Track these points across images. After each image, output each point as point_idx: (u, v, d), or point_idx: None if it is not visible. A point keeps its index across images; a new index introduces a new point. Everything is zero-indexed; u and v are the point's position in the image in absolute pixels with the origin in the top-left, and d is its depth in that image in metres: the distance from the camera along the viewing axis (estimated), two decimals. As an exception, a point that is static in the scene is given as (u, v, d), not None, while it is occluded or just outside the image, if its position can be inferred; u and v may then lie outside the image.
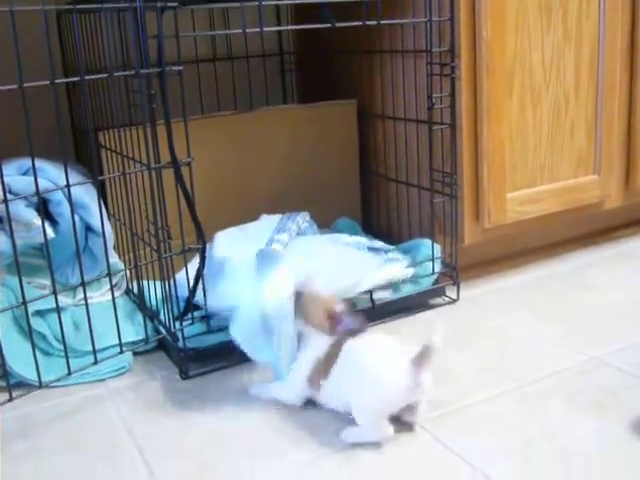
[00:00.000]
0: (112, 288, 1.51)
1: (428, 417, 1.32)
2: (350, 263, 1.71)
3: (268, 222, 1.81)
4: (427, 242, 1.83)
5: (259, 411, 1.38)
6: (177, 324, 1.52)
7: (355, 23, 1.60)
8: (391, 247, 1.85)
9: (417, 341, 1.25)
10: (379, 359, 1.28)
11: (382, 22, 1.65)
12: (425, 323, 1.71)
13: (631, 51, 2.01)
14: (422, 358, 1.24)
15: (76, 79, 1.32)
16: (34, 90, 1.22)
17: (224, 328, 1.55)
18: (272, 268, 1.51)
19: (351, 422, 1.27)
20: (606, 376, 1.44)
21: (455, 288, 1.83)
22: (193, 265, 1.53)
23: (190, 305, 1.53)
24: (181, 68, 1.39)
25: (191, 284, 1.52)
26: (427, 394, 1.28)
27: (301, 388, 1.36)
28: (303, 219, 1.83)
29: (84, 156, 2.05)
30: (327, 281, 1.44)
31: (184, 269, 1.52)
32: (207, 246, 1.53)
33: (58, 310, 1.38)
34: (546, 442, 1.23)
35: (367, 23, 1.62)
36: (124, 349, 1.49)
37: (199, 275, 1.51)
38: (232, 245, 1.69)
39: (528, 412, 1.32)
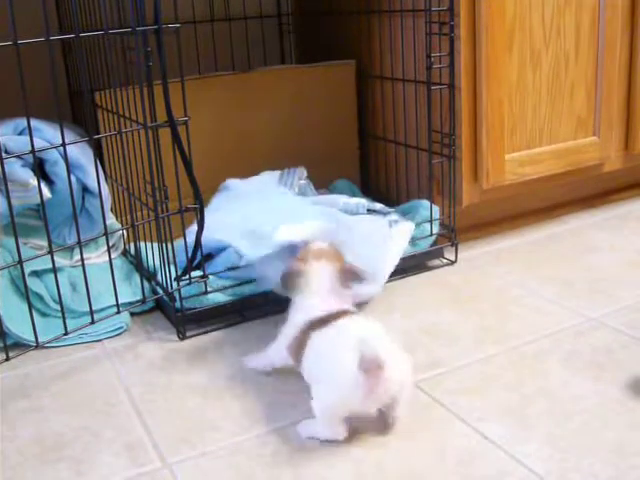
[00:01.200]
0: (109, 249, 1.51)
1: (425, 377, 1.32)
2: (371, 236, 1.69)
3: (270, 176, 1.83)
4: (425, 203, 1.82)
5: (256, 371, 1.38)
6: (174, 284, 1.51)
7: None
8: (390, 209, 1.85)
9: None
10: (343, 357, 1.12)
11: (381, -20, 1.63)
12: (422, 285, 1.71)
13: (632, 12, 1.99)
14: (371, 363, 1.10)
15: (71, 36, 1.31)
16: (30, 50, 1.21)
17: (222, 289, 1.55)
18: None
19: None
20: (603, 336, 1.44)
21: (453, 250, 1.83)
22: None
23: (190, 266, 1.52)
24: (178, 26, 1.38)
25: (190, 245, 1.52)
26: (406, 389, 1.17)
27: (283, 355, 1.31)
28: (302, 174, 1.84)
29: (81, 117, 2.04)
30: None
31: (182, 237, 1.52)
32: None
33: (54, 270, 1.38)
34: (543, 401, 1.23)
35: (365, -19, 1.60)
36: (121, 309, 1.49)
37: (199, 237, 1.51)
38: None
39: (525, 372, 1.33)
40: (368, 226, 1.69)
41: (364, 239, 1.64)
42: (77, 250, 1.44)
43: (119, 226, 1.79)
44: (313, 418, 1.17)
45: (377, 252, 1.63)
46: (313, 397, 1.18)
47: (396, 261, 1.66)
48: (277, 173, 1.84)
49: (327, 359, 1.17)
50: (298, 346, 1.25)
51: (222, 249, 1.61)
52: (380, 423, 1.19)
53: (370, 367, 1.09)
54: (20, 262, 1.31)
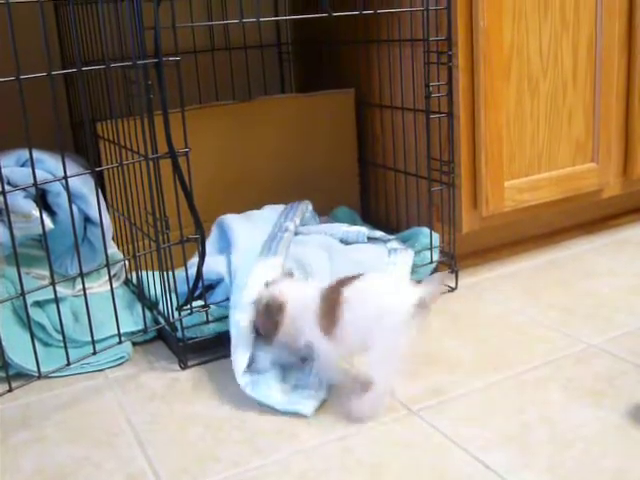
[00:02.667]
0: (111, 278, 1.51)
1: (425, 405, 1.33)
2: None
3: (272, 211, 1.83)
4: (425, 231, 1.83)
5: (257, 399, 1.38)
6: (176, 314, 1.52)
7: (352, 12, 1.61)
8: (391, 236, 1.85)
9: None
10: (391, 303, 1.27)
11: (379, 11, 1.65)
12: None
13: (629, 39, 2.01)
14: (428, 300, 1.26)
15: (73, 70, 1.32)
16: (33, 82, 1.22)
17: (223, 318, 1.56)
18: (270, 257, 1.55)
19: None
20: (603, 363, 1.44)
21: (453, 276, 1.83)
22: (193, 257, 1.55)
23: (191, 296, 1.53)
24: (178, 59, 1.39)
25: (191, 276, 1.53)
26: None
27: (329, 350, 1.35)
28: (306, 207, 1.84)
29: (83, 148, 2.05)
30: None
31: (183, 267, 1.53)
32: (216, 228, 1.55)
33: (57, 300, 1.38)
34: (543, 429, 1.23)
35: (364, 12, 1.62)
36: (123, 339, 1.49)
37: (200, 268, 1.52)
38: (241, 224, 1.75)
39: (526, 399, 1.33)
40: (365, 256, 1.70)
41: (360, 268, 1.65)
42: (79, 279, 1.44)
43: (121, 256, 1.80)
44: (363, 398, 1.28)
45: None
46: (375, 355, 1.27)
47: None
48: (281, 207, 1.84)
49: (381, 312, 1.25)
50: (329, 310, 1.31)
51: (222, 279, 1.62)
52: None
53: (427, 303, 1.24)
54: (22, 294, 1.32)
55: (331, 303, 1.31)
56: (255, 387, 1.39)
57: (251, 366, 1.43)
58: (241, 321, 1.46)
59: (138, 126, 1.42)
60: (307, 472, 1.17)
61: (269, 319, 1.37)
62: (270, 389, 1.38)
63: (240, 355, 1.43)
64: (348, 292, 1.30)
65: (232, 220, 1.76)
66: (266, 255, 1.61)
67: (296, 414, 1.32)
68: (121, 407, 1.40)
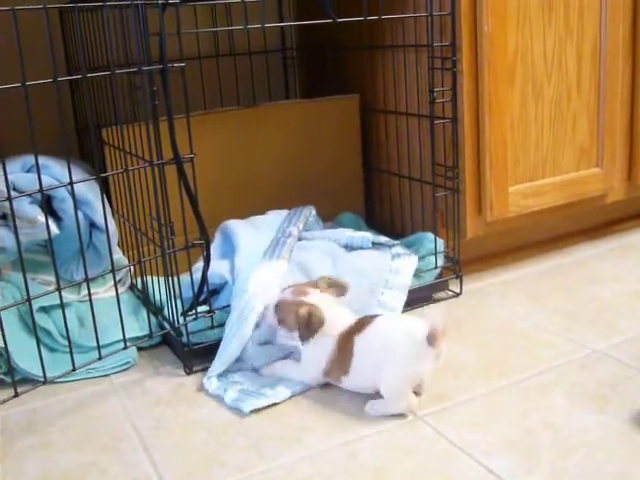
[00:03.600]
0: (116, 285, 1.52)
1: (430, 410, 1.33)
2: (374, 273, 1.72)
3: (275, 216, 1.83)
4: (430, 236, 1.83)
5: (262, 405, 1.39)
6: (181, 319, 1.52)
7: (356, 18, 1.61)
8: (395, 242, 1.86)
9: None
10: (401, 336, 1.33)
11: (383, 17, 1.66)
12: (428, 317, 1.72)
13: (633, 44, 2.01)
14: (436, 330, 1.30)
15: (78, 77, 1.33)
16: (38, 88, 1.23)
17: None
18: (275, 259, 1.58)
19: (371, 397, 1.36)
20: (607, 369, 1.44)
21: (458, 282, 1.84)
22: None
23: (197, 301, 1.54)
24: (183, 65, 1.40)
25: (196, 281, 1.53)
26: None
27: (318, 379, 1.43)
28: (309, 212, 1.85)
29: (88, 154, 2.06)
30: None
31: (188, 273, 1.54)
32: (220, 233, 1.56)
33: (62, 306, 1.39)
34: (547, 434, 1.23)
35: (368, 18, 1.62)
36: (128, 344, 1.50)
37: (205, 273, 1.52)
38: (245, 229, 1.76)
39: (529, 405, 1.33)
40: (368, 262, 1.71)
41: (361, 275, 1.66)
42: (85, 285, 1.45)
43: (126, 261, 1.81)
44: (379, 399, 1.33)
45: (372, 287, 1.66)
46: (384, 383, 1.32)
47: (404, 295, 1.67)
48: (285, 212, 1.85)
49: (389, 344, 1.32)
50: (339, 365, 1.37)
51: (226, 283, 1.63)
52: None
53: (436, 337, 1.29)
54: (28, 299, 1.33)
55: (344, 351, 1.37)
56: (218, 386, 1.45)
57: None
58: (242, 328, 1.48)
59: (143, 132, 1.43)
60: (312, 477, 1.17)
61: (306, 327, 1.39)
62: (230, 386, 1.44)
63: (225, 357, 1.48)
64: (359, 339, 1.36)
65: (235, 225, 1.76)
66: (269, 259, 1.62)
67: (238, 410, 1.37)
68: (126, 412, 1.40)
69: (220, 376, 1.48)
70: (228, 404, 1.39)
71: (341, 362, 1.37)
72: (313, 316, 1.38)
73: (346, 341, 1.37)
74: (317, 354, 1.40)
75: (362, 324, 1.39)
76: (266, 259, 1.62)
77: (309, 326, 1.38)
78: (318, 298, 1.43)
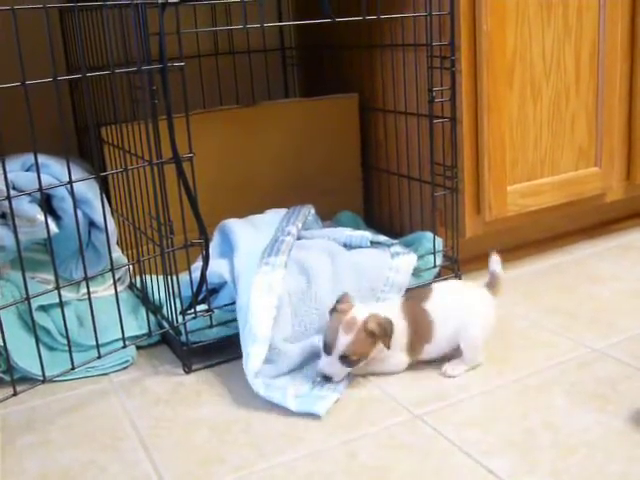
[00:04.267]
0: (115, 283, 1.52)
1: (430, 409, 1.33)
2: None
3: (274, 215, 1.83)
4: (429, 235, 1.83)
5: (263, 403, 1.39)
6: (180, 318, 1.53)
7: (355, 18, 1.61)
8: (394, 241, 1.86)
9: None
10: (471, 298, 1.50)
11: (382, 17, 1.66)
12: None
13: (631, 43, 2.01)
14: (494, 285, 1.53)
15: (78, 76, 1.33)
16: (38, 87, 1.23)
17: (227, 322, 1.57)
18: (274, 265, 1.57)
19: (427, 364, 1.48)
20: (607, 368, 1.44)
21: (457, 281, 1.84)
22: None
23: (195, 300, 1.54)
24: (183, 64, 1.40)
25: (195, 280, 1.53)
26: None
27: (405, 362, 1.48)
28: (308, 211, 1.85)
29: (88, 153, 2.05)
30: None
31: (187, 272, 1.54)
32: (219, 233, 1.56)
33: (61, 305, 1.39)
34: (547, 434, 1.24)
35: (367, 18, 1.62)
36: (127, 343, 1.50)
37: (204, 272, 1.52)
38: (243, 228, 1.75)
39: (529, 404, 1.33)
40: (367, 260, 1.71)
41: (361, 273, 1.66)
42: (84, 284, 1.45)
43: (125, 260, 1.81)
44: (453, 360, 1.47)
45: (372, 285, 1.66)
46: (468, 343, 1.46)
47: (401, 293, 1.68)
48: (283, 211, 1.85)
49: (465, 305, 1.49)
50: (420, 332, 1.46)
51: (225, 282, 1.63)
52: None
53: (496, 287, 1.54)
54: (28, 298, 1.33)
55: (421, 324, 1.46)
56: (268, 389, 1.40)
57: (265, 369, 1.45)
58: (258, 326, 1.47)
59: (142, 131, 1.43)
60: (312, 475, 1.17)
61: (385, 338, 1.41)
62: (284, 391, 1.40)
63: (253, 358, 1.43)
64: (432, 308, 1.48)
65: (234, 225, 1.76)
66: (267, 257, 1.61)
67: (310, 414, 1.34)
68: (125, 411, 1.40)
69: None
70: (296, 410, 1.35)
71: (421, 334, 1.46)
72: (381, 323, 1.40)
73: (417, 315, 1.47)
74: (395, 341, 1.43)
75: (421, 297, 1.50)
76: (265, 256, 1.61)
77: (387, 332, 1.40)
78: (360, 310, 1.43)
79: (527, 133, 1.87)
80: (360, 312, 1.41)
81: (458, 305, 1.49)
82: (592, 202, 2.08)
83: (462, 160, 1.81)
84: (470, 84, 1.77)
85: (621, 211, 2.29)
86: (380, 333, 1.39)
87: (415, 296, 1.53)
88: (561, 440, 1.22)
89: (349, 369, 1.42)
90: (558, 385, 1.39)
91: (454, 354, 1.48)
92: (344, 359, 1.39)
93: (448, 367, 1.46)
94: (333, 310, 1.44)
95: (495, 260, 1.56)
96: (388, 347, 1.40)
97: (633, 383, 1.38)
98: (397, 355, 1.46)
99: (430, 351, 1.48)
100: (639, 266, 1.95)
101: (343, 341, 1.38)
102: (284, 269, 1.58)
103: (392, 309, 1.47)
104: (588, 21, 1.91)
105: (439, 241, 1.82)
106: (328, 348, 1.40)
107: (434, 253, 1.80)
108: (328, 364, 1.41)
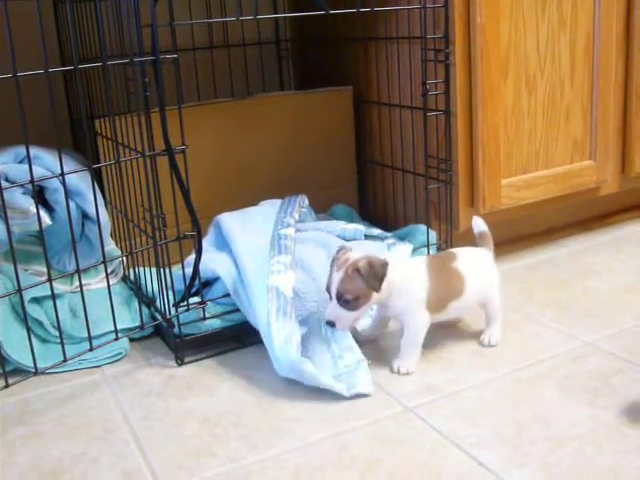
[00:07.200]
0: (107, 275, 1.52)
1: (421, 402, 1.33)
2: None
3: (269, 207, 1.83)
4: (422, 228, 1.83)
5: (254, 396, 1.39)
6: (173, 311, 1.53)
7: (349, 10, 1.61)
8: (388, 234, 1.86)
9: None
10: (487, 258, 1.57)
11: (376, 9, 1.65)
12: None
13: (627, 36, 2.01)
14: (487, 244, 1.60)
15: (70, 68, 1.33)
16: (32, 79, 1.23)
17: (220, 314, 1.57)
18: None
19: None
20: (599, 361, 1.44)
21: (450, 274, 1.83)
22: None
23: (188, 292, 1.54)
24: (176, 56, 1.40)
25: (188, 272, 1.53)
26: None
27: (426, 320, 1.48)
28: (303, 201, 1.84)
29: (82, 144, 2.05)
30: None
31: (180, 264, 1.54)
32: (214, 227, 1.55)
33: (53, 297, 1.39)
34: (538, 427, 1.24)
35: (361, 10, 1.62)
36: (120, 335, 1.50)
37: (197, 265, 1.52)
38: (239, 222, 1.75)
39: (521, 397, 1.33)
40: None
41: None
42: (77, 276, 1.45)
43: (119, 252, 1.81)
44: (488, 330, 1.56)
45: None
46: (494, 299, 1.55)
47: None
48: (278, 202, 1.84)
49: (488, 265, 1.56)
50: (449, 285, 1.49)
51: (218, 278, 1.62)
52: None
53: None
54: (19, 290, 1.33)
55: (452, 278, 1.50)
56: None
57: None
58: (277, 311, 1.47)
59: (136, 123, 1.43)
60: (303, 468, 1.17)
61: (372, 278, 1.38)
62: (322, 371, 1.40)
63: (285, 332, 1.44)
64: (459, 264, 1.51)
65: (229, 218, 1.75)
66: (278, 255, 1.60)
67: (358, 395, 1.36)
68: (118, 403, 1.40)
69: None
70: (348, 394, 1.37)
71: (449, 290, 1.48)
72: (371, 263, 1.38)
73: (446, 272, 1.49)
74: (413, 296, 1.45)
75: (447, 257, 1.53)
76: (275, 254, 1.61)
77: (376, 273, 1.38)
78: (359, 253, 1.43)
79: (522, 126, 1.87)
80: (357, 255, 1.41)
81: (483, 265, 1.55)
82: (587, 195, 2.08)
83: (456, 153, 1.81)
84: (464, 77, 1.77)
85: (616, 204, 2.29)
86: (366, 272, 1.37)
87: (441, 256, 1.57)
88: (552, 433, 1.22)
89: (351, 313, 1.40)
90: (550, 378, 1.39)
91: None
92: (341, 301, 1.39)
93: (485, 337, 1.55)
94: (332, 260, 1.44)
95: (479, 221, 1.62)
96: (374, 289, 1.38)
97: (625, 377, 1.38)
98: (416, 311, 1.46)
99: (456, 307, 1.50)
100: (634, 259, 1.95)
101: (335, 279, 1.40)
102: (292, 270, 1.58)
103: (416, 266, 1.49)
104: (583, 13, 1.90)
105: (433, 234, 1.83)
106: (329, 292, 1.42)
107: (428, 246, 1.80)
108: (330, 309, 1.41)
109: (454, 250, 1.57)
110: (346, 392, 1.36)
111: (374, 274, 1.37)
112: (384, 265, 1.39)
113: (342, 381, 1.38)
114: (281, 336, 1.42)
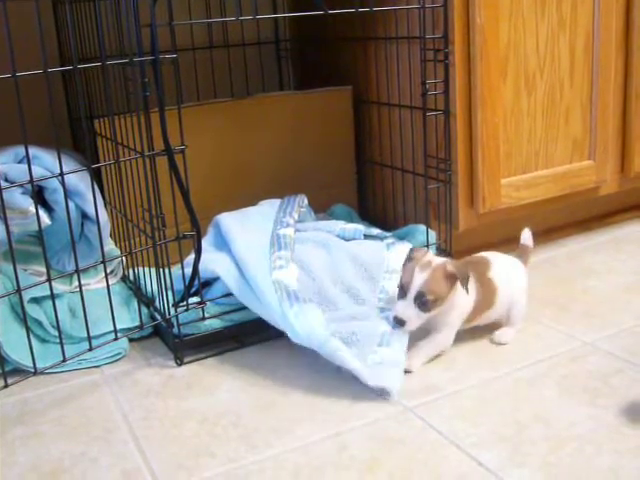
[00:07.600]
0: (107, 275, 1.52)
1: (420, 402, 1.33)
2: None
3: (269, 207, 1.83)
4: (422, 228, 1.83)
5: (253, 396, 1.39)
6: (172, 311, 1.52)
7: (348, 10, 1.61)
8: (387, 234, 1.86)
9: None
10: (518, 267, 1.60)
11: (375, 9, 1.65)
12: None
13: (626, 36, 2.01)
14: (525, 256, 1.65)
15: (69, 68, 1.33)
16: (32, 79, 1.23)
17: (219, 314, 1.56)
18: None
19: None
20: (599, 361, 1.44)
21: (450, 274, 1.83)
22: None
23: (187, 292, 1.54)
24: (175, 56, 1.40)
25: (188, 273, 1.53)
26: None
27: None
28: (302, 201, 1.84)
29: (82, 144, 2.05)
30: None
31: (179, 264, 1.54)
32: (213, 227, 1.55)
33: (53, 297, 1.39)
34: (538, 427, 1.24)
35: (360, 10, 1.62)
36: (119, 335, 1.50)
37: (196, 265, 1.52)
38: (239, 222, 1.74)
39: (520, 397, 1.33)
40: (363, 250, 1.71)
41: (360, 262, 1.66)
42: (76, 276, 1.45)
43: (118, 252, 1.81)
44: (503, 329, 1.56)
45: (371, 275, 1.66)
46: (519, 310, 1.57)
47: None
48: (277, 202, 1.84)
49: (517, 274, 1.59)
50: (486, 296, 1.50)
51: (218, 278, 1.62)
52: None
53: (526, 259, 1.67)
54: (19, 290, 1.33)
55: (488, 289, 1.51)
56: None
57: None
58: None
59: (135, 123, 1.43)
60: (302, 468, 1.17)
61: (465, 281, 1.41)
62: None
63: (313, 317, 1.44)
64: (494, 274, 1.53)
65: (228, 218, 1.75)
66: (278, 250, 1.60)
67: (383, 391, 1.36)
68: (117, 403, 1.40)
69: None
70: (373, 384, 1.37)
71: (486, 298, 1.50)
72: (460, 267, 1.43)
73: (485, 280, 1.50)
74: (465, 302, 1.47)
75: (482, 265, 1.53)
76: (275, 249, 1.61)
77: (466, 276, 1.42)
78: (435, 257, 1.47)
79: (521, 126, 1.87)
80: (435, 258, 1.44)
81: (514, 274, 1.57)
82: (586, 195, 2.08)
83: (456, 153, 1.81)
84: (464, 77, 1.77)
85: (615, 204, 2.29)
86: (461, 275, 1.40)
87: (477, 264, 1.54)
88: (551, 433, 1.22)
89: (424, 315, 1.41)
90: (550, 378, 1.39)
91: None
92: (420, 300, 1.40)
93: (496, 335, 1.55)
94: (407, 260, 1.45)
95: (527, 234, 1.67)
96: (467, 291, 1.41)
97: (625, 377, 1.38)
98: (456, 325, 1.49)
99: (486, 317, 1.53)
100: (633, 259, 1.95)
101: (419, 279, 1.40)
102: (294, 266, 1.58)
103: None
104: (583, 13, 1.90)
105: (432, 234, 1.83)
106: (403, 290, 1.42)
107: (427, 246, 1.80)
108: (402, 307, 1.42)
109: (488, 256, 1.57)
110: (370, 381, 1.36)
111: (465, 277, 1.40)
112: (467, 269, 1.43)
113: (372, 369, 1.38)
114: (302, 319, 1.43)
